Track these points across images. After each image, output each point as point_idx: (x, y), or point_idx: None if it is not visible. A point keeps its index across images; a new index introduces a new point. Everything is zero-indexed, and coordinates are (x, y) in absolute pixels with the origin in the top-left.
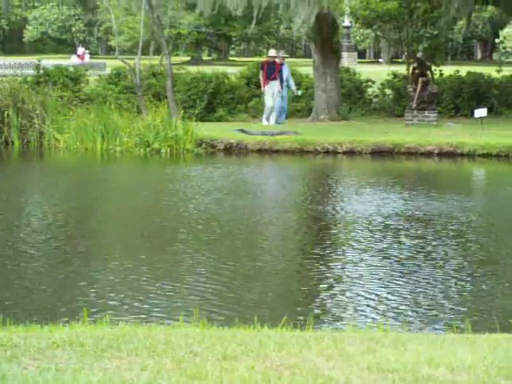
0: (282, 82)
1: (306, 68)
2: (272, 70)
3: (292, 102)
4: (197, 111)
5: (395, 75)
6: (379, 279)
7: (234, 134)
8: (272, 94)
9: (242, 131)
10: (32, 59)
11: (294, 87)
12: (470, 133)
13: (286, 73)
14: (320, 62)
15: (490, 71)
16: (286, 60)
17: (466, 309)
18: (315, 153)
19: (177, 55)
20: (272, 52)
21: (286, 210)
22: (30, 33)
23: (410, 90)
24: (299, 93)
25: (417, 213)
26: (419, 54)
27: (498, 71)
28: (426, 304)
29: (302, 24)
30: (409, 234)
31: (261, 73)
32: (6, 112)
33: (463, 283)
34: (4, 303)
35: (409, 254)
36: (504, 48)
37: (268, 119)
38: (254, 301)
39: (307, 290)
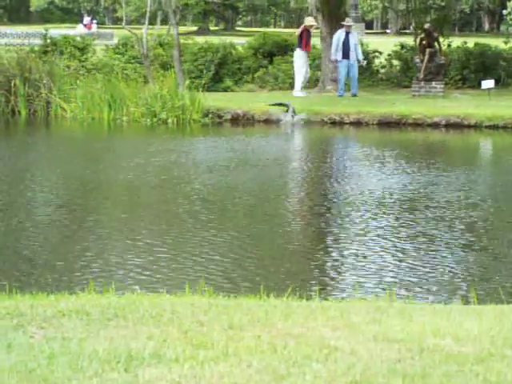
0: (348, 50)
1: (314, 39)
2: (309, 38)
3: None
4: (203, 81)
5: (402, 46)
6: (385, 252)
7: (240, 104)
8: (305, 62)
9: (281, 105)
10: (39, 29)
11: (360, 57)
12: (476, 104)
13: (353, 41)
14: (327, 33)
15: (497, 43)
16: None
17: (472, 279)
18: (322, 123)
19: (184, 25)
20: (310, 20)
21: (289, 182)
22: (36, 2)
23: (417, 61)
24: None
25: (423, 185)
26: (427, 25)
27: (506, 43)
28: (432, 275)
29: None
30: (413, 206)
31: (298, 39)
32: (13, 81)
33: (469, 255)
34: (10, 273)
35: (413, 226)
36: (511, 20)
37: (301, 90)
38: (259, 270)
39: (314, 261)
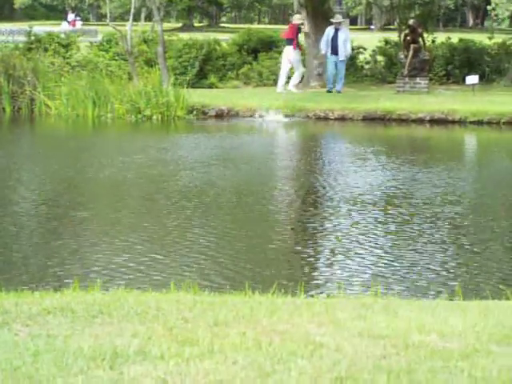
0: (337, 47)
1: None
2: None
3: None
4: (188, 78)
5: (387, 42)
6: (369, 248)
7: (225, 101)
8: (299, 60)
9: None
10: (23, 26)
11: (348, 52)
12: (461, 100)
13: (342, 37)
14: (311, 29)
15: (481, 38)
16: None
17: (457, 275)
18: (307, 119)
19: (168, 22)
20: (298, 17)
21: (273, 179)
22: None
23: (402, 56)
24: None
25: (405, 181)
26: (411, 21)
27: (490, 38)
28: (417, 271)
29: None
30: (397, 202)
31: (289, 38)
32: None
33: (453, 250)
34: None
35: (397, 224)
36: (496, 15)
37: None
38: (244, 267)
39: (299, 257)
